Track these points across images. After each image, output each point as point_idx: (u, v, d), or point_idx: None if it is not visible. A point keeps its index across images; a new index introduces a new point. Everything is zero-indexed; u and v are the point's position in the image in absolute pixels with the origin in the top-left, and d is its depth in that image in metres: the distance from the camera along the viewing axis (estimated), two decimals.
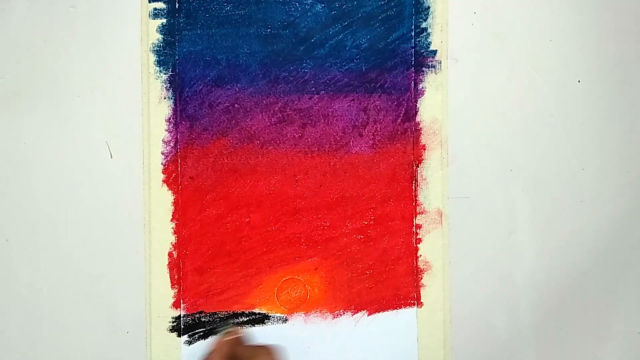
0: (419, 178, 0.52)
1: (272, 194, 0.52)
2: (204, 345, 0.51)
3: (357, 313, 0.53)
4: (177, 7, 0.51)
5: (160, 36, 0.51)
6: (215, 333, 0.51)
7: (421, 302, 0.53)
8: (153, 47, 0.51)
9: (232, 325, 0.51)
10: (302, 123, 0.52)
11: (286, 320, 0.52)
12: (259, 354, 0.46)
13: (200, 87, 0.51)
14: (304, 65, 0.51)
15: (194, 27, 0.51)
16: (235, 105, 0.51)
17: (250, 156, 0.52)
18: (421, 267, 0.53)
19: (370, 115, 0.52)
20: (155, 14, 0.50)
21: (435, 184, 0.52)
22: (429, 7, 0.52)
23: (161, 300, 0.51)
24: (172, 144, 0.51)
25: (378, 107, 0.52)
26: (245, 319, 0.52)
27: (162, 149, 0.51)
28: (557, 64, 0.53)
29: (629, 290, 0.54)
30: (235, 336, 0.49)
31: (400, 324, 0.53)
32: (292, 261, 0.52)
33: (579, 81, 0.53)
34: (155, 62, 0.51)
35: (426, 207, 0.53)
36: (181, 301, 0.52)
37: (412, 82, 0.52)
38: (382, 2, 0.51)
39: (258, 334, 0.52)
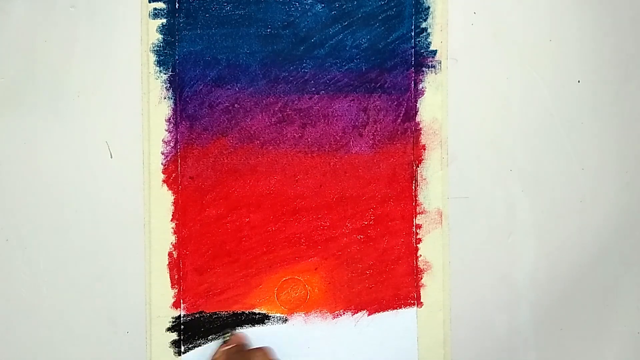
0: (419, 178, 0.52)
1: (272, 194, 0.52)
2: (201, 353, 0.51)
3: (357, 313, 0.53)
4: (177, 7, 0.51)
5: (160, 36, 0.51)
6: (215, 339, 0.51)
7: (421, 302, 0.53)
8: (153, 47, 0.51)
9: (230, 333, 0.51)
10: (302, 123, 0.52)
11: (286, 320, 0.52)
12: (255, 356, 0.48)
13: (200, 87, 0.51)
14: (304, 65, 0.51)
15: (194, 27, 0.51)
16: (235, 105, 0.51)
17: (250, 156, 0.52)
18: (421, 267, 0.53)
19: (370, 115, 0.52)
20: (155, 14, 0.50)
21: (435, 184, 0.52)
22: (429, 7, 0.52)
23: (161, 300, 0.51)
24: (172, 144, 0.51)
25: (378, 107, 0.52)
26: (245, 319, 0.52)
27: (162, 149, 0.51)
28: (557, 64, 0.53)
29: (629, 290, 0.54)
30: (234, 344, 0.50)
31: (400, 324, 0.53)
32: (292, 261, 0.52)
33: (579, 81, 0.53)
34: (155, 62, 0.51)
35: (426, 207, 0.53)
36: (181, 301, 0.52)
37: (412, 82, 0.52)
38: (382, 2, 0.51)
39: (258, 334, 0.52)
